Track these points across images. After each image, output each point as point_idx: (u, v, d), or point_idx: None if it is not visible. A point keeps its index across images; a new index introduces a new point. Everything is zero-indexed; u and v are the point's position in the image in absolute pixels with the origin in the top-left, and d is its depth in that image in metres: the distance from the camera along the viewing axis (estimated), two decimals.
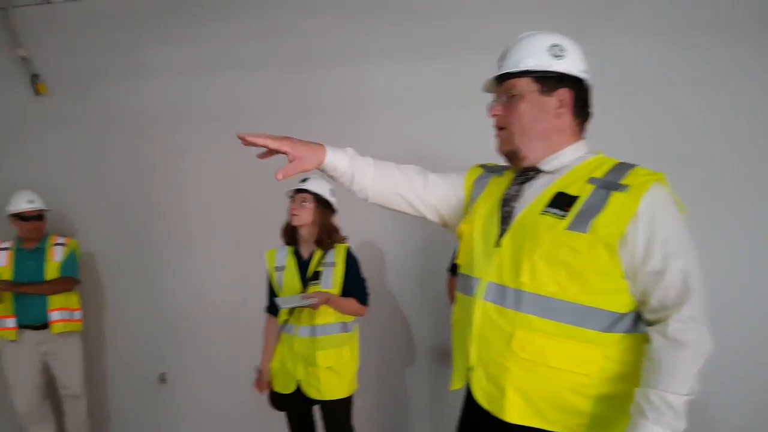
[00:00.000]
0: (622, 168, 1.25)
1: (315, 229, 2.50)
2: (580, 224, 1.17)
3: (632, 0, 2.90)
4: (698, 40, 2.80)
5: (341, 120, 3.19)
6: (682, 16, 2.83)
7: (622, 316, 1.20)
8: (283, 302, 2.39)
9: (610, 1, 2.91)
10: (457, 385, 1.37)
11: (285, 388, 2.50)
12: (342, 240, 2.59)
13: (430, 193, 1.44)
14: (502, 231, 1.29)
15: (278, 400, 2.56)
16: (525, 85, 1.30)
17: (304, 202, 2.48)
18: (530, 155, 1.32)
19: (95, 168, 3.69)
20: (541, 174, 1.33)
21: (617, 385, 1.19)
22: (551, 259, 1.18)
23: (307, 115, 3.26)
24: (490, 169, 1.49)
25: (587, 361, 1.17)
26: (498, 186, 1.41)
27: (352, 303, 2.46)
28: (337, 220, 2.62)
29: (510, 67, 1.32)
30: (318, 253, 2.52)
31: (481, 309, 1.27)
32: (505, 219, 1.31)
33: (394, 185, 1.41)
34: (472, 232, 1.38)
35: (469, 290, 1.33)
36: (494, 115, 1.36)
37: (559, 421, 1.19)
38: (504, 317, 1.23)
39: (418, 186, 1.43)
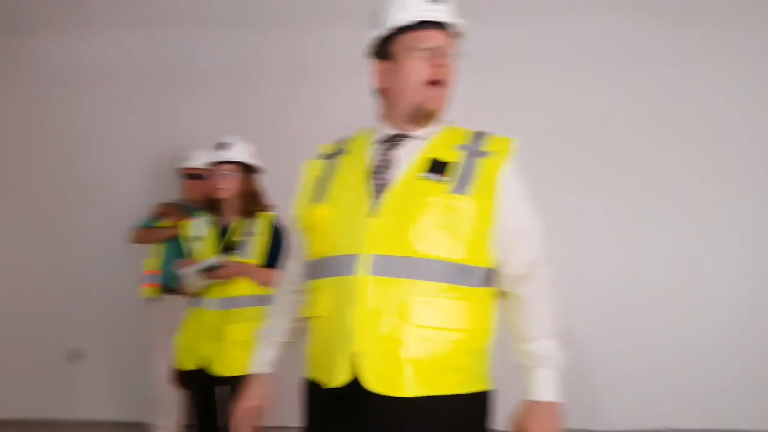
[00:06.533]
0: (480, 136, 1.33)
1: (239, 197, 2.32)
2: (461, 188, 1.25)
3: None
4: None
5: (291, 84, 3.04)
6: None
7: (488, 271, 1.28)
8: (190, 267, 2.23)
9: None
10: (339, 379, 1.23)
11: (189, 364, 2.30)
12: (268, 208, 2.39)
13: None
14: (375, 200, 1.26)
15: (183, 378, 2.35)
16: (455, 43, 1.30)
17: (228, 172, 2.30)
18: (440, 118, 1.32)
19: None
20: (406, 139, 1.32)
21: (480, 337, 1.28)
22: (438, 222, 1.23)
23: (256, 77, 3.10)
24: (329, 155, 1.40)
25: (467, 317, 1.24)
26: (354, 161, 1.34)
27: (271, 274, 2.24)
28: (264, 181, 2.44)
29: (456, 18, 1.28)
30: (239, 222, 2.32)
31: (368, 285, 1.20)
32: (380, 188, 1.27)
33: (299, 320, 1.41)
34: (328, 213, 1.30)
35: (343, 271, 1.24)
36: (444, 67, 1.27)
37: (447, 382, 1.22)
38: (395, 288, 1.20)
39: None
